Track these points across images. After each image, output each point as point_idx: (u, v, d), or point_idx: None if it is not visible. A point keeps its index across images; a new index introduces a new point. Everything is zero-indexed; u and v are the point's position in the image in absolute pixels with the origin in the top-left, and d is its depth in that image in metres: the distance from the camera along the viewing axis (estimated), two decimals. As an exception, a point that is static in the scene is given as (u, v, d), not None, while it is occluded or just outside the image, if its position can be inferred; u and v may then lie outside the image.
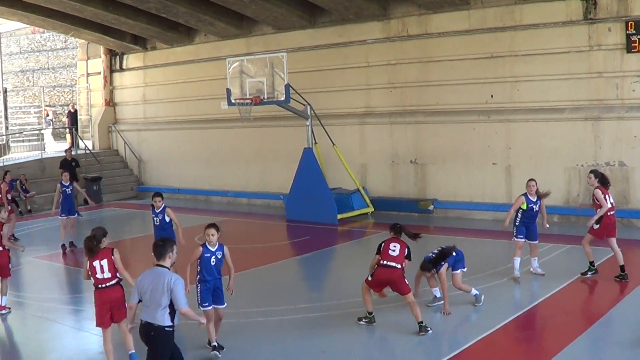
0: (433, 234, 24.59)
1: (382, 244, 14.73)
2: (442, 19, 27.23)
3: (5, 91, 43.12)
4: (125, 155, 40.27)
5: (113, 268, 12.42)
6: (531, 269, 17.84)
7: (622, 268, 17.07)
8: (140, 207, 34.00)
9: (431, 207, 27.44)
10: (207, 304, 13.02)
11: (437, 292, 15.75)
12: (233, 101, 26.39)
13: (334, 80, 30.35)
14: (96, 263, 12.43)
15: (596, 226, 17.14)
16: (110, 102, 41.27)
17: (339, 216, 26.76)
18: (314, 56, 30.83)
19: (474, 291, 15.52)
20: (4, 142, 41.27)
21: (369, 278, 14.43)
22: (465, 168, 27.05)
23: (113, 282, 12.43)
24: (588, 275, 17.44)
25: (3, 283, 16.65)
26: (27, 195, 33.07)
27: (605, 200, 16.92)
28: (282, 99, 25.71)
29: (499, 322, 14.08)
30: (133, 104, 40.22)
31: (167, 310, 10.23)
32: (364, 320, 14.52)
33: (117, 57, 40.69)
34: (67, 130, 43.44)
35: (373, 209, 28.14)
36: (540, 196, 17.50)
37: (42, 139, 43.57)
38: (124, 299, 12.36)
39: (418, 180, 28.29)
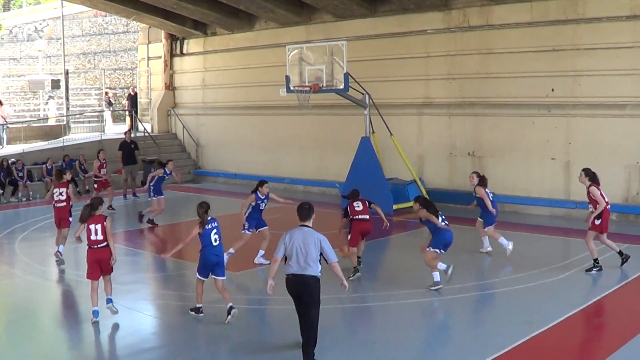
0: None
1: (347, 207, 18.24)
2: (504, 11, 26.96)
3: (67, 73, 43.62)
4: (184, 139, 40.53)
5: (104, 232, 14.60)
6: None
7: (621, 252, 18.14)
8: (197, 191, 34.22)
9: (488, 201, 27.23)
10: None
11: (436, 277, 16.32)
12: (292, 88, 26.34)
13: (393, 70, 30.21)
14: (92, 227, 14.65)
15: (597, 221, 17.66)
16: (170, 86, 41.56)
17: (395, 206, 26.68)
18: (373, 45, 30.72)
19: (442, 265, 16.33)
20: (65, 122, 41.79)
21: (349, 237, 18.05)
22: (524, 162, 26.79)
23: (104, 244, 14.67)
24: (593, 272, 17.60)
25: (62, 232, 19.22)
26: (86, 175, 33.45)
27: (602, 196, 17.56)
28: (341, 87, 25.59)
29: (554, 319, 13.93)
30: (192, 88, 40.46)
31: (318, 263, 11.96)
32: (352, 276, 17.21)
33: (178, 41, 40.94)
34: (127, 112, 43.79)
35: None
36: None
37: (102, 121, 44.04)
38: (110, 258, 14.72)
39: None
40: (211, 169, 38.29)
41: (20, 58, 63.16)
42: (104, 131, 41.37)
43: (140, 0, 34.37)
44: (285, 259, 12.05)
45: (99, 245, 14.60)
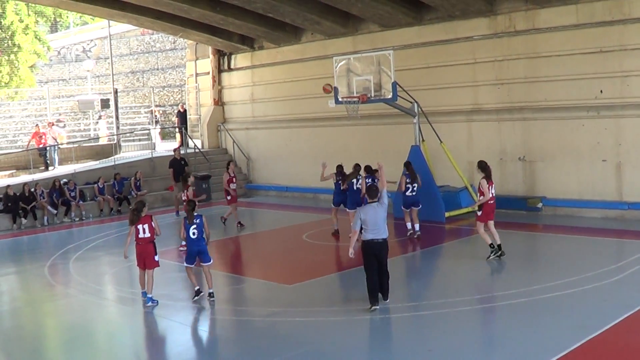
0: (542, 232, 24.55)
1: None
2: (550, 14, 26.98)
3: (116, 92, 44.20)
4: (234, 153, 40.90)
5: (151, 230, 17.21)
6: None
7: (500, 246, 20.03)
8: (249, 205, 34.50)
9: (540, 205, 27.25)
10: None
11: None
12: (340, 99, 26.53)
13: (440, 78, 30.35)
14: (140, 227, 17.15)
15: (479, 213, 20.17)
16: (219, 102, 42.01)
17: (447, 214, 26.78)
18: (420, 53, 30.88)
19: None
20: (115, 141, 42.38)
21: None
22: (575, 165, 26.77)
23: (149, 241, 17.20)
24: (491, 257, 19.86)
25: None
26: (139, 193, 33.91)
27: (489, 190, 19.84)
28: (389, 96, 25.72)
29: (609, 322, 13.98)
30: (241, 103, 40.85)
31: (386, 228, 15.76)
32: None
33: (225, 57, 41.39)
34: (177, 129, 44.28)
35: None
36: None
37: (152, 139, 44.58)
38: (154, 253, 17.26)
39: (526, 178, 28.14)
40: (263, 182, 38.63)
41: (69, 79, 64.07)
42: (154, 149, 41.87)
43: (186, 17, 34.87)
44: (361, 229, 15.71)
45: (144, 242, 17.19)
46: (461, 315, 15.00)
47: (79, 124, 47.96)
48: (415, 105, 27.47)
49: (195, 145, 40.10)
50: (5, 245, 28.07)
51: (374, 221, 15.53)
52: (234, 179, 28.66)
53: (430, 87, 30.07)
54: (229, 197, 28.34)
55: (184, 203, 22.52)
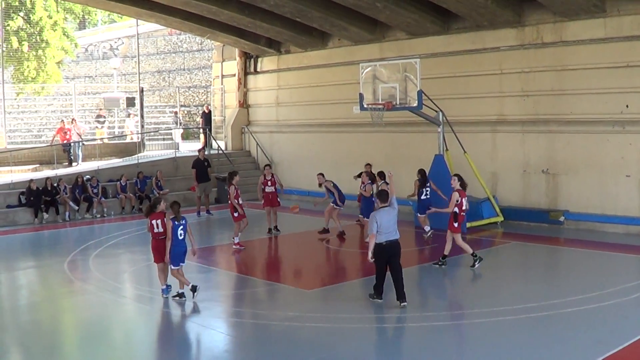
0: (563, 246, 24.44)
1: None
2: (578, 27, 26.87)
3: (141, 91, 44.30)
4: (257, 156, 40.99)
5: (164, 226, 17.33)
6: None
7: (445, 257, 20.90)
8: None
9: (562, 219, 27.12)
10: None
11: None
12: (365, 106, 26.53)
13: (466, 87, 30.29)
14: (154, 222, 17.45)
15: (455, 224, 20.52)
16: (244, 104, 42.10)
17: (468, 224, 26.63)
18: (447, 62, 30.84)
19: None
20: (140, 140, 42.54)
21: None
22: (598, 179, 26.63)
23: (164, 236, 17.37)
24: (476, 266, 20.52)
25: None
26: (161, 192, 33.94)
27: (462, 202, 20.44)
28: (415, 105, 25.69)
29: (628, 339, 13.90)
30: (266, 106, 40.94)
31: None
32: None
33: (252, 59, 41.46)
34: (201, 130, 44.39)
35: (502, 219, 28.01)
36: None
37: (174, 139, 44.70)
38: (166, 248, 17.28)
39: (549, 191, 28.02)
40: (285, 186, 38.60)
41: (96, 76, 64.41)
42: (178, 149, 41.97)
43: (215, 19, 34.97)
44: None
45: (159, 237, 17.50)
46: (479, 327, 14.95)
47: (104, 121, 48.14)
48: (440, 114, 27.43)
49: (218, 146, 40.18)
50: (26, 239, 28.22)
51: (388, 224, 16.50)
52: (269, 182, 27.97)
53: (456, 96, 30.03)
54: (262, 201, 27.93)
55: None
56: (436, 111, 27.36)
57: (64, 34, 50.37)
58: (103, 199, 33.30)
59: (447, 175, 26.78)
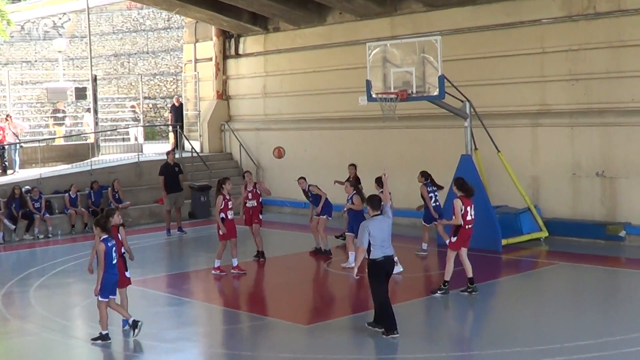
0: (624, 268, 24.44)
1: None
2: (640, -8, 26.98)
3: (94, 79, 44.22)
4: (241, 159, 41.09)
5: (119, 243, 17.73)
6: None
7: (472, 280, 20.80)
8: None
9: (623, 233, 27.13)
10: None
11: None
12: (374, 96, 26.51)
13: (499, 71, 30.34)
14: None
15: (453, 239, 20.72)
16: (223, 95, 42.23)
17: (504, 241, 26.71)
18: (474, 40, 30.91)
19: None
20: (93, 140, 42.49)
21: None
22: (668, 183, 26.74)
23: (118, 255, 17.64)
24: (438, 294, 20.76)
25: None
26: (120, 206, 33.94)
27: (466, 212, 20.37)
28: (435, 93, 25.65)
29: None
30: (251, 97, 41.06)
31: None
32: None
33: (232, 39, 41.60)
34: (170, 128, 44.42)
35: (547, 234, 28.05)
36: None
37: (136, 139, 44.59)
38: (124, 269, 18.23)
39: (606, 199, 28.09)
40: (275, 196, 38.60)
41: (36, 61, 64.27)
42: (141, 151, 41.93)
43: (186, -11, 35.07)
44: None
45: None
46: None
47: (47, 117, 48.16)
48: (467, 104, 27.44)
49: (192, 148, 40.25)
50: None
51: (382, 236, 16.76)
52: (249, 195, 27.07)
53: (487, 82, 30.14)
54: (245, 217, 27.03)
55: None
56: (462, 101, 27.43)
57: (-7, 9, 50.27)
58: (47, 215, 33.23)
59: (476, 179, 26.83)
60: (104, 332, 17.27)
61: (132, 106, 50.00)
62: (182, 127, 42.65)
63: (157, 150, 43.46)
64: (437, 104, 26.76)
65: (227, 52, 41.97)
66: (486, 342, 17.56)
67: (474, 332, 18.80)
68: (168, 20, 57.77)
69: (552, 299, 20.72)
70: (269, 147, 38.89)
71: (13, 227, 32.08)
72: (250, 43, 40.79)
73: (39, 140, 41.45)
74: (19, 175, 36.94)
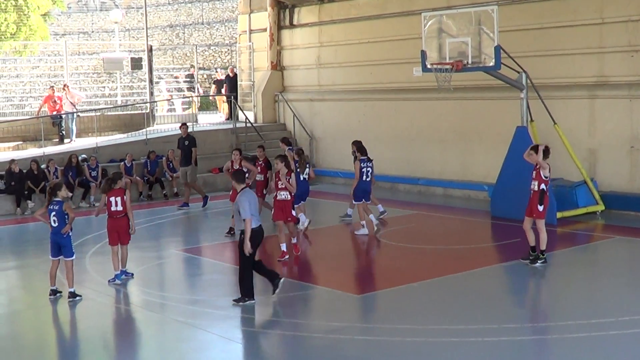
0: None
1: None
2: None
3: (150, 50, 44.28)
4: (294, 130, 41.00)
5: (124, 204, 19.91)
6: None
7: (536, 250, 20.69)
8: (311, 195, 33.68)
9: (680, 207, 26.92)
10: None
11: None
12: (429, 66, 26.40)
13: (557, 41, 29.97)
14: (112, 199, 19.88)
15: (540, 208, 20.36)
16: (278, 66, 42.10)
17: (559, 214, 26.51)
18: (532, 10, 30.55)
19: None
20: (148, 110, 42.67)
21: None
22: None
23: (122, 214, 20.07)
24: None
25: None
26: (174, 175, 34.03)
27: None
28: (491, 64, 25.51)
29: None
30: (305, 68, 40.93)
31: None
32: None
33: (287, 10, 41.45)
34: (225, 99, 44.40)
35: (603, 207, 27.75)
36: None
37: (193, 109, 44.61)
38: (128, 227, 20.21)
39: (664, 172, 27.81)
40: (328, 167, 38.55)
41: (92, 32, 64.70)
42: (196, 121, 41.94)
43: (240, -41, 34.97)
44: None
45: (118, 216, 20.07)
46: (573, 344, 14.76)
47: (104, 87, 48.32)
48: (524, 75, 27.18)
49: (246, 118, 40.19)
50: (6, 232, 28.45)
51: (257, 207, 18.15)
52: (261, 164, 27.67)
53: (543, 53, 29.82)
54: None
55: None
56: (518, 72, 27.16)
57: (51, -22, 50.46)
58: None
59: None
60: (51, 288, 19.05)
61: (176, 77, 50.00)
62: (236, 98, 42.57)
63: (211, 120, 43.50)
64: (492, 75, 26.53)
65: (281, 22, 41.85)
66: (540, 315, 17.43)
67: (528, 305, 18.65)
68: (223, -9, 57.89)
69: (607, 273, 20.52)
70: (323, 118, 39.09)
71: (70, 194, 31.91)
72: (305, 13, 40.63)
73: (94, 110, 41.55)
74: (75, 144, 37.12)
